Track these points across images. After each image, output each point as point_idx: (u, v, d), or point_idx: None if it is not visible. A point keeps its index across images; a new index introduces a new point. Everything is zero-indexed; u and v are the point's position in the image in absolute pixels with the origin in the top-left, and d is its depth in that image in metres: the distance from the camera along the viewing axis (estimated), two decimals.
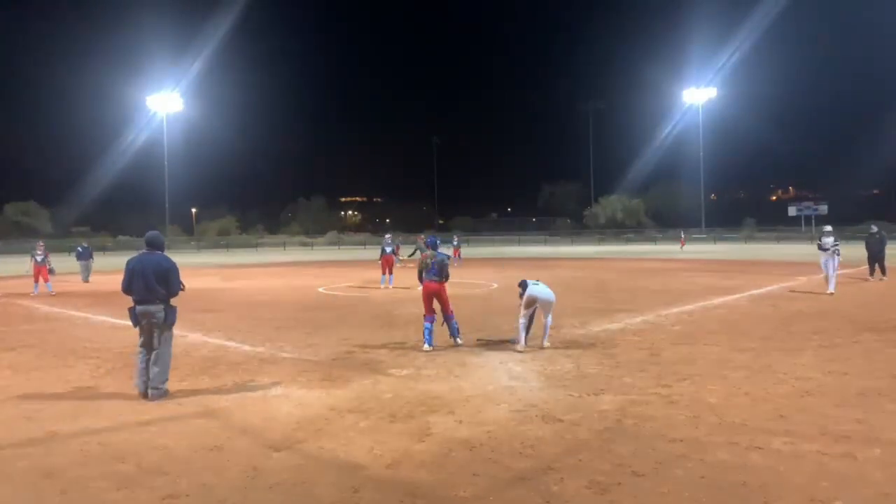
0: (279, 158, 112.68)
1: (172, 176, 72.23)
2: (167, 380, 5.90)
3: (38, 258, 16.64)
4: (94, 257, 22.63)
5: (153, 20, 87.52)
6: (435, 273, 7.91)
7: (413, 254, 19.59)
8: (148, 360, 5.80)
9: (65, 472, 4.02)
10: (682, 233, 51.74)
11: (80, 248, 22.00)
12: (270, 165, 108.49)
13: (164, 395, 5.77)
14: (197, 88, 75.87)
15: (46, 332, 10.14)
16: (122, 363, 7.44)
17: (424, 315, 7.96)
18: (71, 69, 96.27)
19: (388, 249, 17.54)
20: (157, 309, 5.83)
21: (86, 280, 20.92)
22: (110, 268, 30.58)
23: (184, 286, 6.15)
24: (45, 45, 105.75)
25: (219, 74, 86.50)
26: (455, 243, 28.06)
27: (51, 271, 16.91)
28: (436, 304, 8.04)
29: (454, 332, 8.18)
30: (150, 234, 6.14)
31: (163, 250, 6.09)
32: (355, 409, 5.37)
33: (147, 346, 5.88)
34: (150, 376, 5.74)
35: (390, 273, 17.11)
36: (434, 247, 8.15)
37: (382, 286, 16.78)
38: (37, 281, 16.63)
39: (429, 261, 7.96)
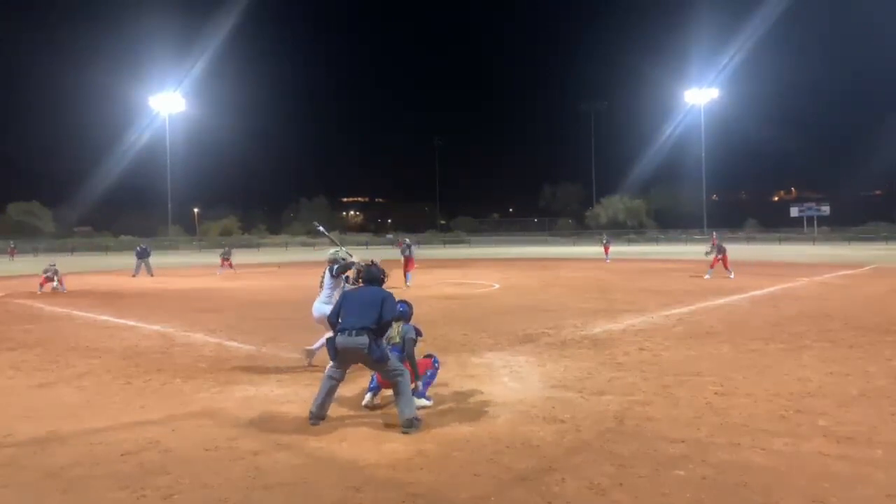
0: (281, 159, 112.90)
1: (175, 176, 72.30)
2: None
3: (47, 275, 17.62)
4: (145, 257, 24.27)
5: (155, 20, 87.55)
6: (397, 351, 5.45)
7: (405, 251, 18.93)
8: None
9: (66, 471, 4.02)
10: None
11: (138, 249, 24.55)
12: (272, 166, 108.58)
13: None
14: (199, 88, 75.98)
15: (49, 331, 10.16)
16: (123, 362, 7.46)
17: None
18: (73, 69, 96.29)
19: (408, 252, 18.23)
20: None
21: (135, 276, 23.20)
22: (111, 268, 30.72)
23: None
24: (48, 46, 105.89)
25: (221, 74, 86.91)
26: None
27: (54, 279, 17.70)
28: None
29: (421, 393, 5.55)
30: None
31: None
32: (357, 408, 5.37)
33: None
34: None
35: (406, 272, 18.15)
36: (406, 318, 5.73)
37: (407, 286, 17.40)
38: (42, 285, 17.48)
39: (396, 338, 5.52)
